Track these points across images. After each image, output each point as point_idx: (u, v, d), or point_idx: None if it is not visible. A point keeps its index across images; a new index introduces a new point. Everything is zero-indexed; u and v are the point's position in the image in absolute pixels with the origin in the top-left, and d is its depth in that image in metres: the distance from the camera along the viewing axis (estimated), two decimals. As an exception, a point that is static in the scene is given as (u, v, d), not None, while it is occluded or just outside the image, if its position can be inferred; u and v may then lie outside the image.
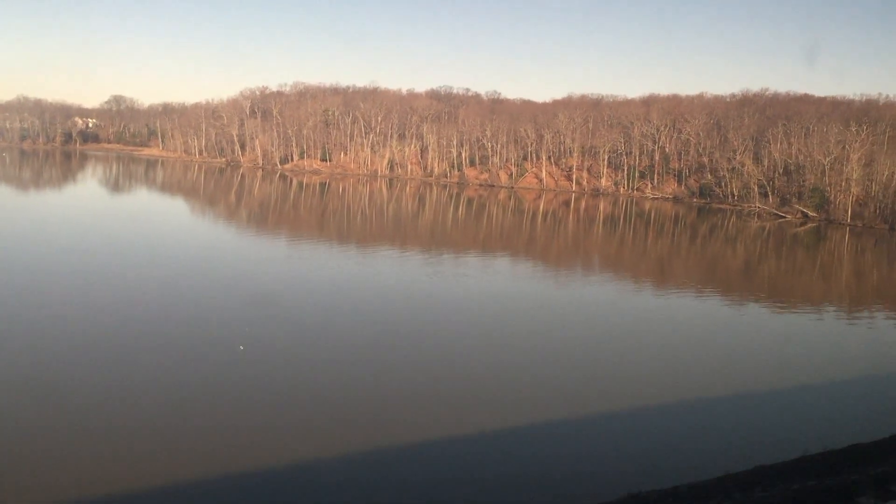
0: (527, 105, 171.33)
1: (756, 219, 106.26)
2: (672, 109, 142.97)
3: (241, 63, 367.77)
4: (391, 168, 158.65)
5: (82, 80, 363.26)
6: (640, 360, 33.48)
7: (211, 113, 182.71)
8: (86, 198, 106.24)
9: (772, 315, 47.48)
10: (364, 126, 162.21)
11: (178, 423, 23.14)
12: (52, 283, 42.21)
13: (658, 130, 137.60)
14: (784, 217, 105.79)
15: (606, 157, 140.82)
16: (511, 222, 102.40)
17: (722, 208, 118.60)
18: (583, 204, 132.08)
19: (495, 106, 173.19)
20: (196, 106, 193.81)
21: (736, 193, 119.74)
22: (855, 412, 28.30)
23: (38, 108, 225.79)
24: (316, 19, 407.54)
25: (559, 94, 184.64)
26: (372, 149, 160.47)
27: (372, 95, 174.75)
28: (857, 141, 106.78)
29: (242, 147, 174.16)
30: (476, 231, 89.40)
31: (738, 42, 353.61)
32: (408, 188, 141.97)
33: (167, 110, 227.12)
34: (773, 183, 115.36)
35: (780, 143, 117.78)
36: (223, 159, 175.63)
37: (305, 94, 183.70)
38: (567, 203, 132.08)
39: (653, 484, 19.27)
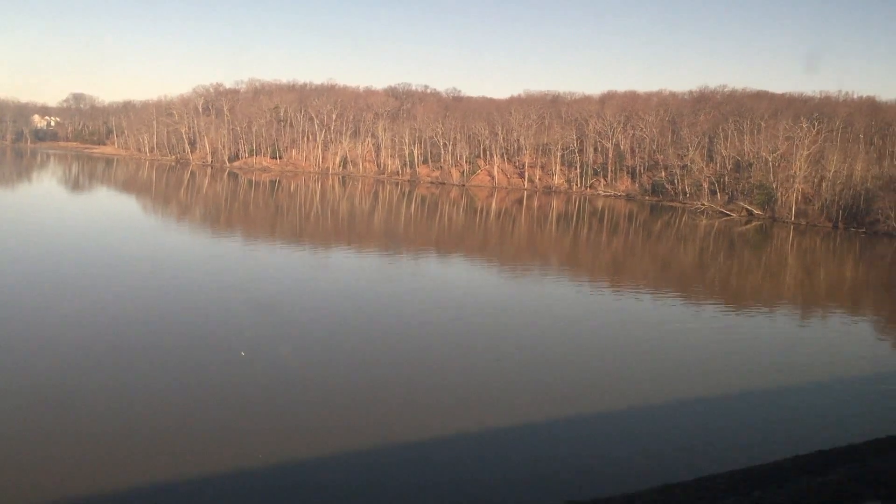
0: (486, 102, 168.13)
1: (703, 217, 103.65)
2: (627, 106, 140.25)
3: (203, 60, 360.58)
4: (344, 165, 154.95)
5: (43, 79, 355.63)
6: (588, 361, 33.13)
7: (163, 110, 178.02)
8: None
9: (719, 316, 45.34)
10: (318, 123, 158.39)
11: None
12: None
13: (612, 127, 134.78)
14: (729, 215, 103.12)
15: (560, 155, 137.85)
16: (464, 221, 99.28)
17: (673, 206, 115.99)
18: (535, 202, 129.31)
19: (455, 103, 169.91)
20: (148, 103, 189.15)
21: (688, 191, 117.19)
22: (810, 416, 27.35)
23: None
24: (276, 15, 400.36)
25: (519, 92, 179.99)
26: (325, 146, 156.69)
27: (329, 92, 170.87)
28: (806, 137, 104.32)
29: (193, 145, 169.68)
30: (429, 231, 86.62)
31: (701, 38, 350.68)
32: (359, 186, 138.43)
33: (127, 108, 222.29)
34: (724, 180, 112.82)
35: (730, 140, 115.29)
36: (173, 157, 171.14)
37: (261, 92, 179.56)
38: (520, 201, 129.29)
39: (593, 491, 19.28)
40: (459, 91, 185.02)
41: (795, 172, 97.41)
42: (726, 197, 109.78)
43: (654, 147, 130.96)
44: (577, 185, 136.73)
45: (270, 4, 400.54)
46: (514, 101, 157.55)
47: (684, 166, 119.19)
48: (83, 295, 39.43)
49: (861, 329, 45.31)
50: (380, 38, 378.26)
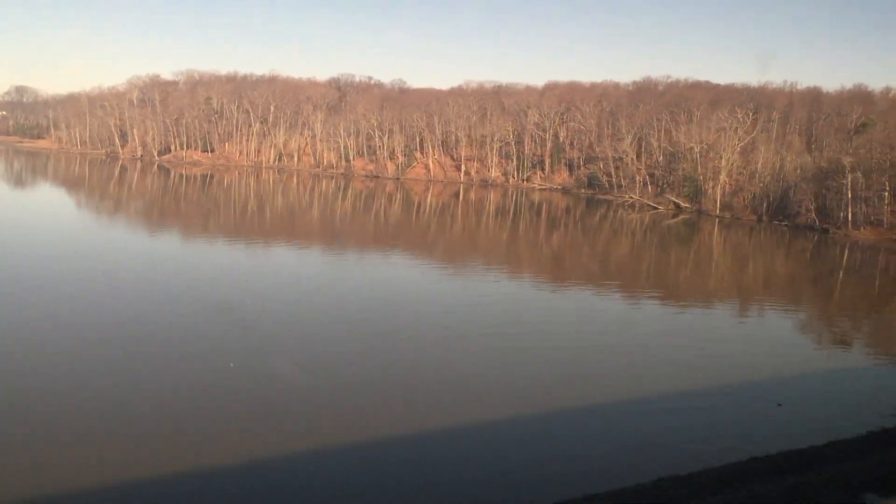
0: (432, 94, 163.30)
1: (631, 210, 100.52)
2: (566, 97, 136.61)
3: (146, 51, 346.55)
4: (279, 159, 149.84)
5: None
6: (526, 359, 31.74)
7: (96, 103, 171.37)
8: None
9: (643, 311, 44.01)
10: (254, 116, 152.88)
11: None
12: None
13: (549, 119, 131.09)
14: (657, 208, 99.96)
15: (497, 147, 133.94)
16: (400, 217, 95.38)
17: (607, 199, 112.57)
18: (472, 195, 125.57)
19: (400, 95, 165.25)
20: (81, 95, 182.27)
21: (623, 184, 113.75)
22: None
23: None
24: (217, 4, 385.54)
25: (460, 83, 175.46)
26: (259, 139, 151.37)
27: (269, 84, 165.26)
28: (740, 128, 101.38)
29: (124, 138, 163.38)
30: (364, 227, 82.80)
31: (647, 28, 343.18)
32: (288, 181, 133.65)
33: (71, 100, 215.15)
34: (656, 173, 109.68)
35: (663, 132, 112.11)
36: (104, 151, 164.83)
37: (200, 83, 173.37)
38: (456, 195, 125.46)
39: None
40: (405, 82, 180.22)
41: (720, 164, 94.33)
42: (658, 190, 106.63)
43: (593, 139, 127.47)
44: (513, 178, 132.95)
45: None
46: (455, 92, 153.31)
47: (619, 158, 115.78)
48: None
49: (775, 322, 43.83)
50: (324, 29, 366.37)
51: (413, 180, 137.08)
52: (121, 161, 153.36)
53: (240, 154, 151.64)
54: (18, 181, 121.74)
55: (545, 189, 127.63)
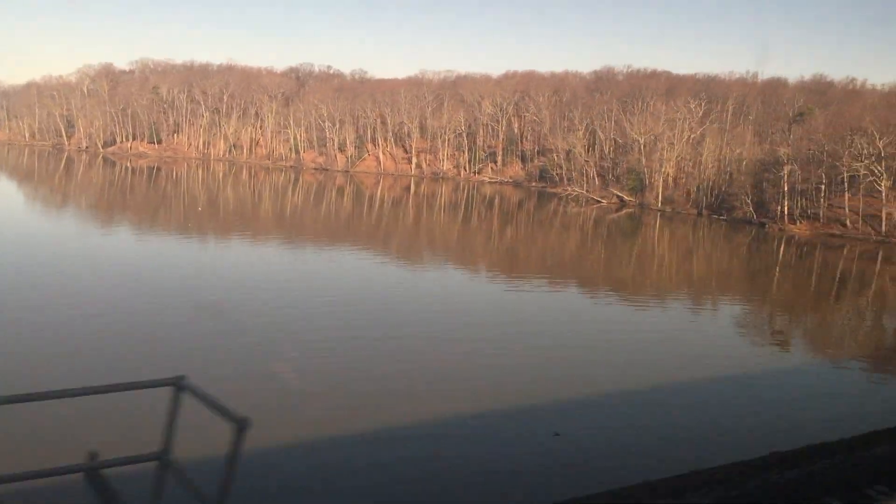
0: (390, 84, 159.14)
1: (576, 204, 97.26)
2: (521, 87, 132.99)
3: (100, 40, 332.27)
4: (229, 151, 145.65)
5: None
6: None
7: (45, 92, 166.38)
8: None
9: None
10: (205, 106, 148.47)
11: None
12: None
13: (502, 110, 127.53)
14: (600, 202, 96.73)
15: (448, 139, 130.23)
16: (352, 212, 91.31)
17: (555, 192, 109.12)
18: (423, 189, 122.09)
19: (359, 86, 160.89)
20: (30, 85, 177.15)
21: (573, 177, 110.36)
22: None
23: None
24: None
25: (416, 72, 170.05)
26: (208, 130, 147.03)
27: (224, 73, 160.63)
28: (690, 119, 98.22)
29: (71, 129, 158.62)
30: (316, 222, 78.55)
31: (606, 18, 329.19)
32: (237, 173, 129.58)
33: (24, 90, 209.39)
34: (605, 165, 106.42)
35: (613, 123, 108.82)
36: (50, 143, 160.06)
37: (153, 73, 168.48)
38: (407, 188, 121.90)
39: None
40: (366, 73, 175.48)
41: (664, 157, 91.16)
42: (604, 183, 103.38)
43: (546, 131, 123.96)
44: (465, 170, 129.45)
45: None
46: (412, 82, 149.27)
47: (569, 151, 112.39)
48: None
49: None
50: (283, 16, 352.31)
51: (363, 173, 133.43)
52: (66, 153, 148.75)
53: (189, 146, 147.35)
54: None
55: (496, 182, 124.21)
